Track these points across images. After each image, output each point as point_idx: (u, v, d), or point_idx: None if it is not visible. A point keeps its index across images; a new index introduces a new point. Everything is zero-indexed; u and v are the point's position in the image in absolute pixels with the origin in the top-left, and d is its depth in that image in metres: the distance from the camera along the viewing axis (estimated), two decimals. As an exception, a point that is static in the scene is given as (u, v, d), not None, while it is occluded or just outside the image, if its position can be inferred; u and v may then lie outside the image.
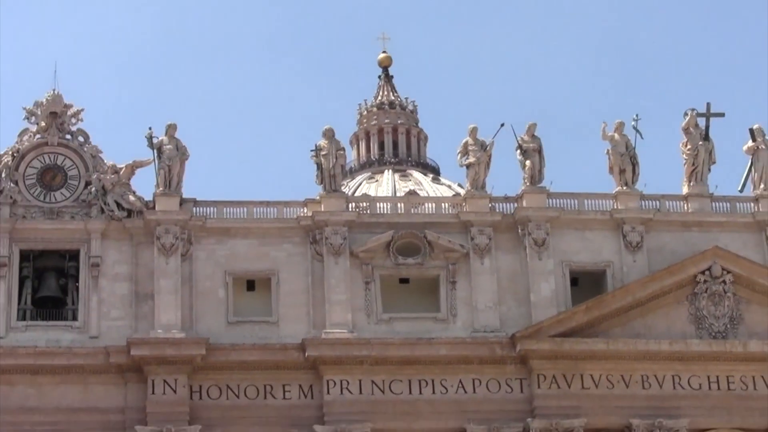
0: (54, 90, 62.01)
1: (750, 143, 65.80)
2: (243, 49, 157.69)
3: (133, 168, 61.29)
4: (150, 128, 62.54)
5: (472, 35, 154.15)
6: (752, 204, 65.46)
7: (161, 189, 60.96)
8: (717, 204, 65.94)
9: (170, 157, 61.20)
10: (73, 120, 62.17)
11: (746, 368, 61.46)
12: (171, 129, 61.59)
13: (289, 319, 60.95)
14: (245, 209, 63.22)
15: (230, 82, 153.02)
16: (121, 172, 61.04)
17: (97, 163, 61.63)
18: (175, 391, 58.40)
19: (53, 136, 61.05)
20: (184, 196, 61.71)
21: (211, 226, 61.60)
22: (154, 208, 60.83)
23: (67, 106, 61.84)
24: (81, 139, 62.25)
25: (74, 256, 60.73)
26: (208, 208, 62.55)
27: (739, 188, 67.94)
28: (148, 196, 61.45)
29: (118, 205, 60.67)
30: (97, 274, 60.32)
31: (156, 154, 62.00)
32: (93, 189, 60.96)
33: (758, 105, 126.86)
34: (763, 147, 65.52)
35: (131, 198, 60.75)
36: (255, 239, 62.36)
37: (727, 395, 61.28)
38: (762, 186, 65.76)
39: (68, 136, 62.25)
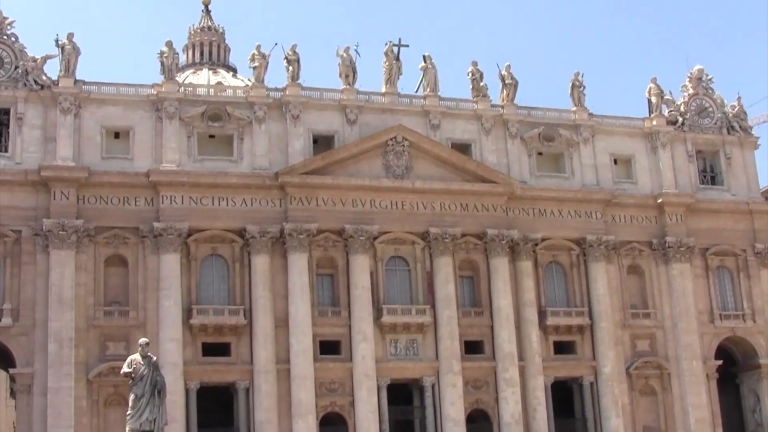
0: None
1: (422, 64, 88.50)
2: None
3: (45, 59, 79.81)
4: (57, 35, 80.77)
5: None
6: (423, 100, 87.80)
7: (63, 73, 79.77)
8: (401, 99, 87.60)
9: (69, 53, 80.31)
10: (8, 27, 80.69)
11: (413, 197, 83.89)
12: (70, 36, 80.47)
13: (140, 156, 79.83)
14: (116, 88, 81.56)
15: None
16: (38, 61, 79.43)
17: (23, 55, 79.75)
18: (68, 198, 76.34)
19: (-5, 37, 78.58)
20: (77, 78, 80.00)
21: (93, 98, 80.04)
22: (58, 84, 79.31)
23: (4, 18, 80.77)
24: (13, 39, 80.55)
25: (6, 112, 78.97)
26: (92, 86, 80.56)
27: (416, 90, 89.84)
28: (54, 77, 79.75)
29: (35, 81, 78.97)
30: (21, 124, 77.94)
31: (60, 52, 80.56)
32: (20, 71, 79.15)
33: (436, 38, 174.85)
34: (430, 67, 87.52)
35: (44, 78, 79.22)
36: (121, 107, 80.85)
37: (401, 212, 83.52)
38: (429, 89, 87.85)
39: (4, 37, 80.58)
